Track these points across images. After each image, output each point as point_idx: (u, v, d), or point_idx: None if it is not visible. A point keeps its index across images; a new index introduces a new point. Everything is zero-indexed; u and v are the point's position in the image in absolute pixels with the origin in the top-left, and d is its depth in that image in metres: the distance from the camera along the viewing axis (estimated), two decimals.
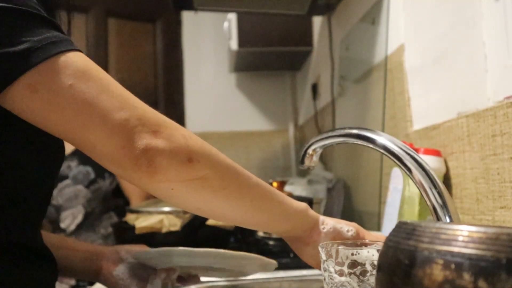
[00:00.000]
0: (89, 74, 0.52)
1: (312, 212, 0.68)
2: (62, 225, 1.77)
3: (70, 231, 1.77)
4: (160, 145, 0.52)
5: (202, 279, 0.91)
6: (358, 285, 0.57)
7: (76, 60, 0.52)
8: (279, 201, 0.63)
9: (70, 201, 1.78)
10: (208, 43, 2.88)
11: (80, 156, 1.83)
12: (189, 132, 0.58)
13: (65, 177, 1.80)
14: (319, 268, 0.62)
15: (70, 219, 1.78)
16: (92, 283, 0.91)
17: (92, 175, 1.82)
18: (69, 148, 1.84)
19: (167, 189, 0.54)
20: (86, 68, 0.52)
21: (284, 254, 1.16)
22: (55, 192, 1.74)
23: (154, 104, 2.03)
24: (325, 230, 0.66)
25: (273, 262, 0.78)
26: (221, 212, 0.60)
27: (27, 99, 0.50)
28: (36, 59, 0.50)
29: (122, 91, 0.54)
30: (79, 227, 1.79)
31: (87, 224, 1.80)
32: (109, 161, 0.52)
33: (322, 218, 0.68)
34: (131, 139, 0.51)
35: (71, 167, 1.81)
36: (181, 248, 0.74)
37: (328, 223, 0.67)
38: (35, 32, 0.52)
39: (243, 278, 0.96)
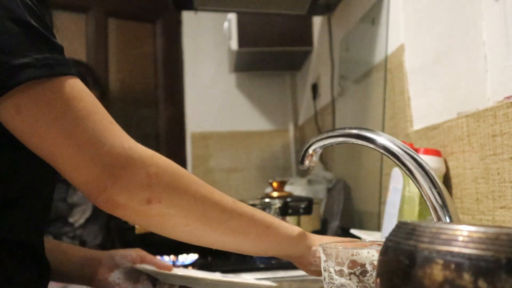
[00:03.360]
0: (69, 104, 0.53)
1: (306, 240, 0.68)
2: (71, 219, 1.82)
3: (78, 225, 1.81)
4: (117, 189, 0.53)
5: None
6: (358, 285, 0.57)
7: (63, 87, 0.54)
8: (260, 233, 0.63)
9: (83, 199, 1.86)
10: (208, 43, 2.88)
11: None
12: (162, 167, 0.57)
13: None
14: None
15: (79, 214, 1.84)
16: None
17: None
18: None
19: (130, 220, 0.58)
20: (69, 96, 0.54)
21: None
22: (70, 191, 1.85)
23: (154, 104, 2.03)
24: (315, 265, 0.68)
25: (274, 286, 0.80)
26: (188, 240, 0.62)
27: (11, 118, 0.52)
28: (25, 76, 0.51)
29: (98, 123, 0.54)
30: (87, 221, 1.84)
31: (94, 218, 1.85)
32: (80, 189, 0.55)
33: (314, 250, 0.68)
34: (94, 178, 0.53)
35: None
36: (182, 274, 0.74)
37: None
38: (39, 51, 0.53)
39: (243, 278, 0.96)
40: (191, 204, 0.58)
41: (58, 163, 0.54)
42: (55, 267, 0.75)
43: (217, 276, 0.78)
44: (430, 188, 0.62)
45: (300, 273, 0.99)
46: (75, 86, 0.55)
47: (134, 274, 0.76)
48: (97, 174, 0.53)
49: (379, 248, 0.57)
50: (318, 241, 0.68)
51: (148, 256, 0.82)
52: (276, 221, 0.66)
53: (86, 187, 0.54)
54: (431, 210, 0.62)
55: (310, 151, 0.73)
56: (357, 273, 0.57)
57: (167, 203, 0.56)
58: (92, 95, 0.57)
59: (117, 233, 1.24)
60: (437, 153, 0.95)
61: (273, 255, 0.68)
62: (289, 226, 0.67)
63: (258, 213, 0.64)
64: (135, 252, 0.81)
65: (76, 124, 0.53)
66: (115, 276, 0.75)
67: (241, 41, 2.28)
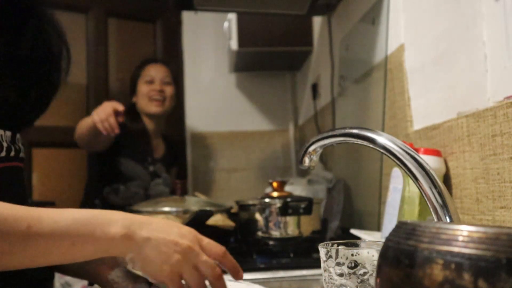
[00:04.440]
0: None
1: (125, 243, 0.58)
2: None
3: None
4: None
5: None
6: (358, 285, 0.57)
7: None
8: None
9: (159, 196, 1.96)
10: (208, 43, 2.88)
11: (166, 165, 2.13)
12: None
13: (159, 176, 2.08)
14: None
15: None
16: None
17: (171, 185, 2.11)
18: (160, 152, 2.14)
19: None
20: None
21: (284, 254, 1.16)
22: (152, 185, 2.04)
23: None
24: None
25: None
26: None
27: None
28: None
29: None
30: None
31: None
32: None
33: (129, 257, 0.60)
34: None
35: (162, 170, 2.11)
36: None
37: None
38: None
39: (243, 278, 0.96)
40: None
41: None
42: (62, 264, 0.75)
43: None
44: (430, 188, 0.62)
45: (300, 273, 0.99)
46: None
47: (133, 274, 0.76)
48: None
49: (379, 248, 0.57)
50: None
51: None
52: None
53: None
54: (431, 210, 0.62)
55: (310, 151, 0.73)
56: (357, 273, 0.57)
57: None
58: None
59: None
60: (437, 153, 0.95)
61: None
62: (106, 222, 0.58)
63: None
64: None
65: None
66: (115, 275, 0.75)
67: (241, 41, 2.29)
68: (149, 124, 2.09)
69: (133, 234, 0.57)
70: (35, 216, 0.55)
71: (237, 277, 0.63)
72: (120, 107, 1.71)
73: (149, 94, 2.05)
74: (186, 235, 0.59)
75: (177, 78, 2.20)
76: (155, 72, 2.09)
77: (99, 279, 0.77)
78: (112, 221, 0.57)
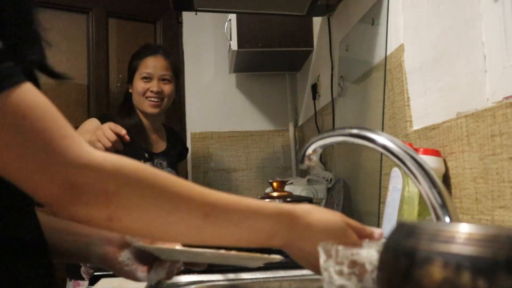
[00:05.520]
0: (15, 124, 0.50)
1: (298, 221, 0.63)
2: None
3: None
4: (77, 209, 0.53)
5: (202, 278, 0.92)
6: (358, 285, 0.57)
7: (5, 106, 0.49)
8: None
9: None
10: (208, 43, 2.88)
11: (169, 159, 2.00)
12: (121, 182, 0.54)
13: None
14: (317, 271, 0.62)
15: None
16: (94, 281, 0.91)
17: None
18: (162, 146, 2.01)
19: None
20: (13, 117, 0.49)
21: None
22: None
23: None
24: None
25: (277, 258, 0.76)
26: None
27: None
28: None
29: (49, 142, 0.51)
30: None
31: None
32: (46, 206, 0.53)
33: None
34: (53, 199, 0.52)
35: (163, 165, 1.97)
36: (184, 249, 0.73)
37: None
38: None
39: (243, 278, 0.96)
40: (157, 216, 0.56)
41: (19, 183, 0.52)
42: (66, 247, 0.74)
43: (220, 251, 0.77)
44: (430, 188, 0.62)
45: (300, 272, 0.99)
46: (20, 101, 0.50)
47: (146, 257, 0.74)
48: (56, 195, 0.51)
49: (379, 248, 0.57)
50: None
51: None
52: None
53: (50, 206, 0.53)
54: (430, 209, 0.63)
55: (310, 151, 0.73)
56: (357, 273, 0.57)
57: (130, 221, 0.55)
58: (42, 103, 0.52)
59: None
60: (436, 153, 0.95)
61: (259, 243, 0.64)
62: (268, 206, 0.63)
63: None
64: None
65: (25, 147, 0.50)
66: (125, 256, 0.73)
67: (241, 42, 2.29)
68: (145, 119, 1.96)
69: (292, 245, 0.65)
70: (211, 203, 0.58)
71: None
72: (123, 131, 1.61)
73: (145, 94, 1.91)
74: (342, 234, 0.64)
75: (178, 71, 2.04)
76: (154, 68, 1.92)
77: (108, 260, 0.74)
78: (276, 232, 0.63)
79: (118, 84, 2.64)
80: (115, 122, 1.74)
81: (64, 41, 2.47)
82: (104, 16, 2.59)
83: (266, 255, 0.77)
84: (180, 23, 2.88)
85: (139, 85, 1.91)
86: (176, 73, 2.01)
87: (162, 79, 1.93)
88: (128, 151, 1.89)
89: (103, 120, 1.79)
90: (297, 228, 0.63)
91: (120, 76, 2.63)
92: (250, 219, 0.60)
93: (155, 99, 1.91)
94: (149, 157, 1.93)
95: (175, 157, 2.07)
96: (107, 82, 2.60)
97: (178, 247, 0.71)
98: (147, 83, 1.91)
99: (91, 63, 2.54)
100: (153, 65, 1.93)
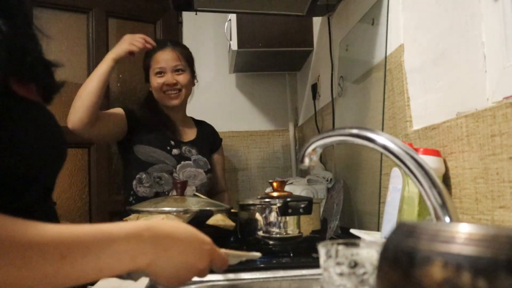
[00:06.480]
0: None
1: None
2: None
3: None
4: None
5: (202, 278, 0.92)
6: (358, 285, 0.57)
7: None
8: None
9: (189, 179, 1.93)
10: (208, 44, 2.88)
11: (199, 147, 2.03)
12: None
13: (188, 159, 1.98)
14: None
15: None
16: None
17: (209, 166, 2.03)
18: (191, 136, 2.06)
19: None
20: None
21: (284, 253, 1.16)
22: (178, 168, 1.94)
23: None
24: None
25: (257, 255, 0.81)
26: None
27: None
28: None
29: None
30: None
31: None
32: None
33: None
34: None
35: (192, 153, 2.00)
36: None
37: None
38: None
39: (243, 278, 0.96)
40: (8, 273, 0.50)
41: None
42: None
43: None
44: (430, 188, 0.62)
45: (300, 272, 0.99)
46: None
47: None
48: None
49: (379, 248, 0.57)
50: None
51: None
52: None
53: None
54: (430, 209, 0.63)
55: (310, 151, 0.73)
56: (357, 272, 0.57)
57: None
58: None
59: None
60: (436, 153, 0.95)
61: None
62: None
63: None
64: None
65: None
66: None
67: (241, 42, 2.29)
68: (169, 112, 2.02)
69: (155, 263, 0.62)
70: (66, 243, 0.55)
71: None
72: (148, 38, 1.85)
73: (163, 89, 1.97)
74: (203, 258, 0.69)
75: (190, 59, 2.06)
76: (165, 61, 1.97)
77: None
78: (140, 250, 0.61)
79: (118, 84, 2.63)
80: (137, 116, 1.92)
81: (64, 41, 2.47)
82: (104, 16, 2.59)
83: (245, 252, 0.79)
84: (180, 23, 2.88)
85: (155, 81, 1.99)
86: (189, 61, 2.05)
87: (175, 70, 1.99)
88: (154, 139, 1.93)
89: (127, 111, 1.95)
90: (160, 240, 0.63)
91: (120, 76, 2.63)
92: (111, 245, 0.58)
93: (173, 91, 1.99)
94: (176, 145, 1.98)
95: (207, 146, 2.11)
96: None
97: None
98: (162, 77, 1.98)
99: (91, 63, 2.54)
100: (163, 58, 1.99)
